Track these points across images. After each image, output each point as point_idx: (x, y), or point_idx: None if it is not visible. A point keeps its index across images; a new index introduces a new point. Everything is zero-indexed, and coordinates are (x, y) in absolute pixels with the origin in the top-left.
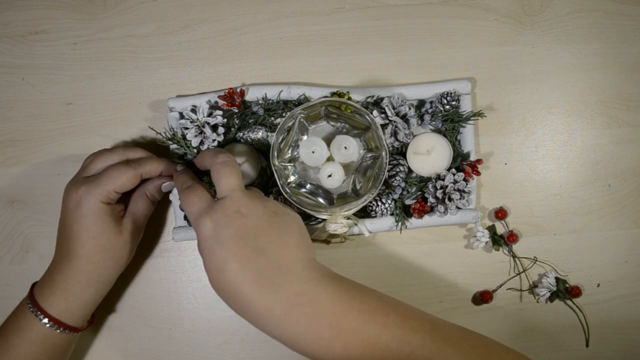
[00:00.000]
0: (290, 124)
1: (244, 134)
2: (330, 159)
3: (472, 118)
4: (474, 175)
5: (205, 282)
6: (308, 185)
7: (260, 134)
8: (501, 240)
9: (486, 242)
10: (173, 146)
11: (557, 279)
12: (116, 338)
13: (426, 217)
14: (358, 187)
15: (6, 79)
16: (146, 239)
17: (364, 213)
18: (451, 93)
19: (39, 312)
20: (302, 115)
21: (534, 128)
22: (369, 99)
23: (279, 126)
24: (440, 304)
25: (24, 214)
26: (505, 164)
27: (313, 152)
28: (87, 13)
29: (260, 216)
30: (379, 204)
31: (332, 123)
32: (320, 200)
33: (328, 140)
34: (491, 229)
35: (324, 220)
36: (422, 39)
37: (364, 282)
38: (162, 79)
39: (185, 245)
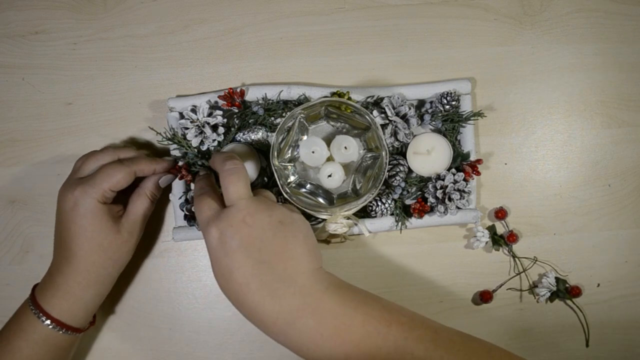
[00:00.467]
0: (290, 124)
1: (244, 134)
2: (330, 159)
3: (472, 118)
4: (474, 175)
5: (206, 282)
6: (308, 185)
7: (260, 134)
8: (501, 240)
9: (486, 242)
10: (173, 146)
11: (557, 279)
12: (116, 338)
13: (426, 217)
14: (358, 187)
15: (6, 79)
16: (146, 239)
17: (364, 213)
18: (451, 93)
19: (41, 314)
20: (302, 115)
21: (534, 128)
22: (369, 99)
23: (279, 126)
24: (440, 304)
25: (24, 214)
26: (505, 164)
27: (313, 152)
28: (87, 13)
29: (265, 226)
30: (379, 204)
31: (332, 123)
32: (320, 200)
33: (328, 140)
34: (491, 229)
35: (324, 220)
36: (422, 39)
37: (364, 282)
38: (162, 79)
39: (185, 245)
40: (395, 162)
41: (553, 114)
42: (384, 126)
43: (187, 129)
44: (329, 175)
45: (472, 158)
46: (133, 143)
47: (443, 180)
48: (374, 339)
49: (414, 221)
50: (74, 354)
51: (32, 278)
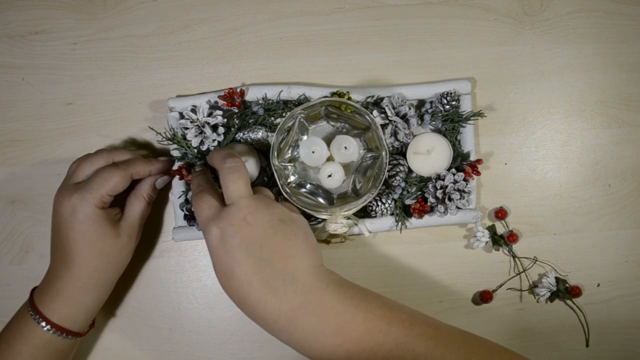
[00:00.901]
0: (290, 124)
1: (244, 134)
2: (330, 159)
3: (472, 118)
4: (474, 175)
5: (206, 282)
6: (308, 185)
7: (260, 134)
8: (501, 240)
9: (486, 242)
10: (173, 146)
11: (557, 279)
12: (116, 338)
13: (426, 217)
14: (358, 187)
15: (6, 79)
16: (146, 239)
17: (364, 213)
18: (451, 93)
19: (40, 319)
20: (302, 115)
21: (534, 128)
22: (369, 99)
23: (279, 126)
24: (440, 304)
25: (24, 214)
26: (505, 164)
27: (313, 152)
28: (87, 13)
29: (265, 224)
30: (379, 204)
31: (332, 123)
32: (320, 200)
33: (328, 140)
34: (491, 229)
35: (324, 220)
36: (422, 39)
37: (364, 282)
38: (162, 79)
39: (185, 245)
40: (395, 162)
41: (553, 114)
42: (384, 126)
43: (187, 129)
44: (329, 175)
45: (472, 158)
46: (133, 143)
47: (443, 180)
48: (376, 336)
49: (414, 221)
50: (74, 354)
51: (32, 278)
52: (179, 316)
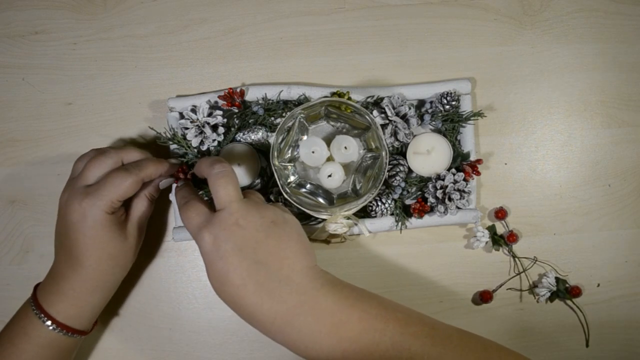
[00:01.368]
0: (290, 124)
1: (244, 134)
2: (330, 159)
3: (472, 118)
4: (474, 175)
5: (206, 282)
6: (308, 185)
7: (260, 134)
8: (501, 240)
9: (486, 242)
10: (173, 146)
11: (557, 279)
12: (116, 338)
13: (426, 217)
14: (358, 187)
15: (6, 79)
16: (146, 239)
17: (364, 213)
18: (451, 93)
19: (46, 319)
20: (302, 115)
21: (534, 128)
22: (369, 99)
23: (279, 126)
24: (440, 304)
25: (24, 214)
26: (505, 164)
27: (313, 152)
28: (87, 13)
29: (258, 227)
30: (379, 204)
31: (332, 123)
32: (320, 200)
33: (328, 140)
34: (491, 229)
35: (324, 220)
36: (422, 39)
37: (364, 282)
38: (162, 79)
39: (185, 245)
40: (395, 162)
41: (553, 114)
42: (384, 126)
43: (187, 129)
44: (329, 175)
45: (472, 158)
46: (133, 143)
47: (443, 180)
48: (372, 335)
49: (414, 221)
50: (75, 354)
51: (32, 278)
52: (179, 316)
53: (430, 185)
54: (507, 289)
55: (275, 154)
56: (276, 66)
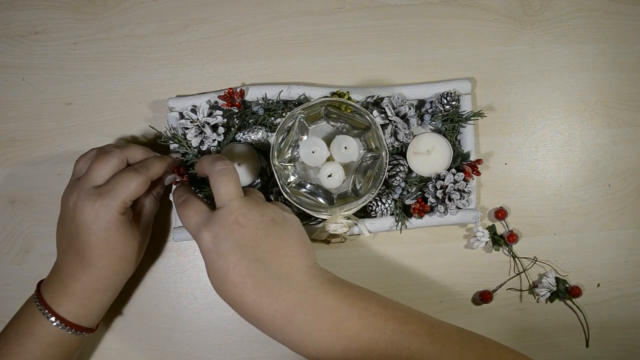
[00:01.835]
0: (290, 124)
1: (244, 134)
2: (330, 159)
3: (472, 118)
4: (474, 175)
5: (206, 282)
6: (308, 185)
7: (260, 134)
8: (501, 240)
9: (486, 242)
10: (173, 146)
11: (557, 279)
12: (117, 338)
13: (426, 217)
14: (358, 187)
15: (6, 79)
16: None
17: (364, 213)
18: (451, 93)
19: (54, 318)
20: (302, 115)
21: (534, 128)
22: (369, 99)
23: (279, 126)
24: (440, 304)
25: (24, 214)
26: (505, 164)
27: (313, 152)
28: (87, 13)
29: (258, 225)
30: (379, 204)
31: (332, 123)
32: (320, 200)
33: (328, 140)
34: (491, 229)
35: (324, 220)
36: (422, 39)
37: (364, 282)
38: (162, 79)
39: (185, 245)
40: (395, 162)
41: (553, 114)
42: (384, 126)
43: (187, 129)
44: (329, 175)
45: (472, 158)
46: (134, 142)
47: (443, 180)
48: (371, 334)
49: (414, 221)
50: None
51: (32, 278)
52: (179, 316)
53: (430, 185)
54: (507, 289)
55: (275, 154)
56: (276, 66)
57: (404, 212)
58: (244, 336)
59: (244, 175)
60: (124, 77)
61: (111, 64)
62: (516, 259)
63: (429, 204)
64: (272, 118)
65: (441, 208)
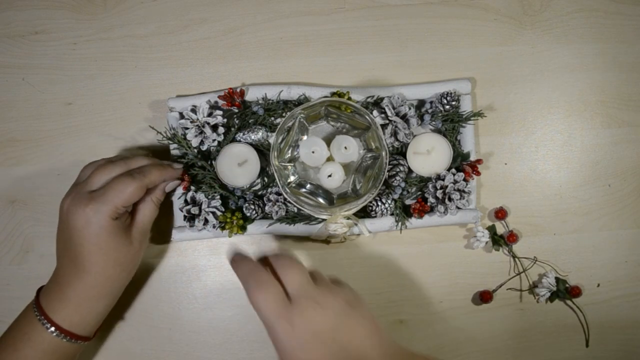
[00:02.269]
0: (290, 124)
1: (244, 134)
2: (330, 159)
3: (472, 118)
4: (474, 175)
5: (205, 282)
6: (308, 185)
7: (260, 134)
8: (501, 240)
9: (486, 242)
10: (173, 146)
11: (557, 279)
12: (116, 338)
13: (426, 217)
14: (358, 187)
15: (6, 79)
16: None
17: (364, 213)
18: (451, 93)
19: (50, 325)
20: (302, 115)
21: (534, 128)
22: (369, 99)
23: (279, 126)
24: (440, 304)
25: (24, 214)
26: (505, 164)
27: (313, 152)
28: (87, 13)
29: (336, 311)
30: (379, 204)
31: (332, 123)
32: (320, 200)
33: (328, 140)
34: (491, 229)
35: (324, 220)
36: (422, 39)
37: (364, 282)
38: (162, 79)
39: (185, 245)
40: (395, 162)
41: (553, 114)
42: (384, 126)
43: (187, 129)
44: (329, 175)
45: (472, 158)
46: (133, 143)
47: (443, 180)
48: None
49: (414, 221)
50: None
51: (32, 278)
52: (179, 316)
53: (430, 185)
54: (507, 289)
55: (275, 154)
56: (276, 66)
57: (404, 212)
58: (244, 336)
59: (244, 175)
60: (124, 77)
61: (111, 64)
62: (516, 259)
63: (429, 204)
64: (272, 118)
65: (441, 208)
